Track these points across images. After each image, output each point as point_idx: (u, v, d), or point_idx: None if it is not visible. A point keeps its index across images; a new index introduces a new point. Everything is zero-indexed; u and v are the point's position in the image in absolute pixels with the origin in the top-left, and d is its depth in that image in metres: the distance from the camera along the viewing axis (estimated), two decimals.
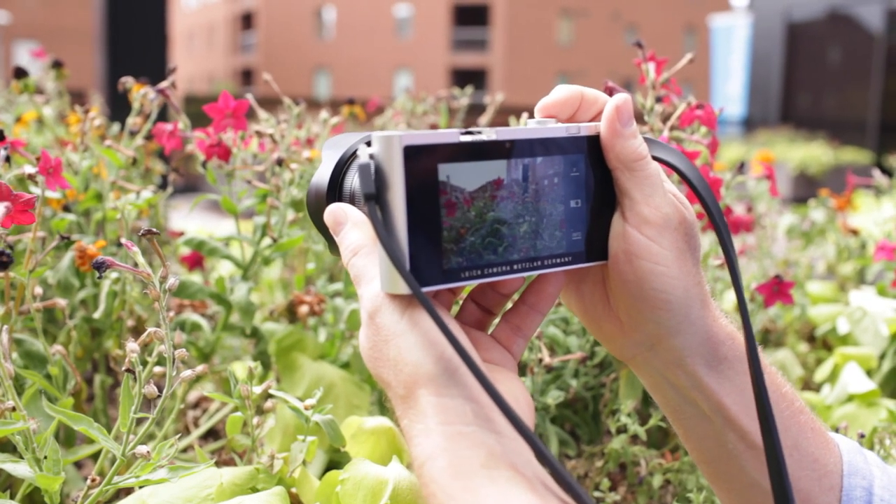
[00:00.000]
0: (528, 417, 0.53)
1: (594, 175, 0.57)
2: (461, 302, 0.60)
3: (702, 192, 0.57)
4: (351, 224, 0.55)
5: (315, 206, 0.61)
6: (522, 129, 0.54)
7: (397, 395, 0.51)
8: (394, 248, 0.48)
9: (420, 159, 0.49)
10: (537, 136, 0.54)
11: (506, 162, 0.52)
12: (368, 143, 0.57)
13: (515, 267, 0.54)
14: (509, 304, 0.61)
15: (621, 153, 0.56)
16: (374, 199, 0.49)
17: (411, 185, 0.49)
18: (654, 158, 0.57)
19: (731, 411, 0.58)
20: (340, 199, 0.59)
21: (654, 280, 0.55)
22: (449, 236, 0.51)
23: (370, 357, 0.52)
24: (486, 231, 0.52)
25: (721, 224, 0.57)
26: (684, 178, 0.57)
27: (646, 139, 0.57)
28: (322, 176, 0.60)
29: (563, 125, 0.56)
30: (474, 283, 0.53)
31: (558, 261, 0.56)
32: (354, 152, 0.60)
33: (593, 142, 0.57)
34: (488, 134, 0.52)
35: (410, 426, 0.49)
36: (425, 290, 0.50)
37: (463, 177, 0.51)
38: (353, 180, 0.58)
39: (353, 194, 0.58)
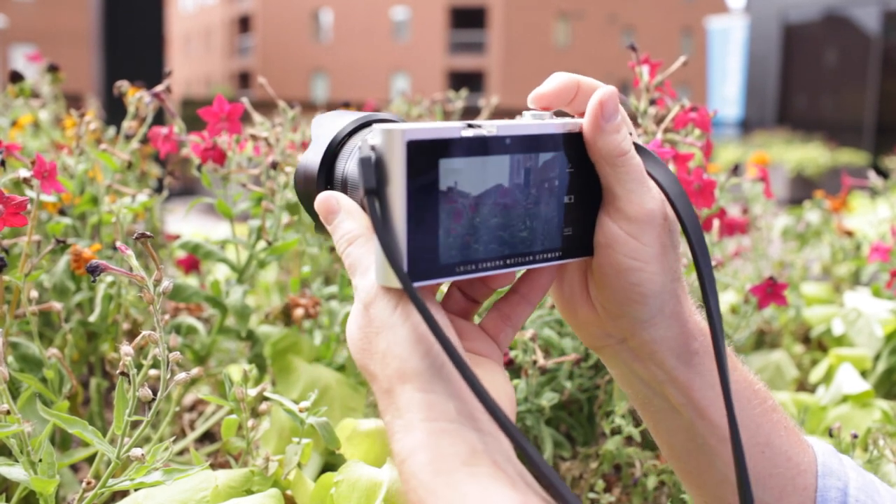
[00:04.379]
0: (510, 411, 0.53)
1: (586, 170, 0.56)
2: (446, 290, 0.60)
3: (681, 210, 0.56)
4: (344, 213, 0.54)
5: (304, 189, 0.60)
6: (520, 124, 0.53)
7: (382, 388, 0.50)
8: (390, 244, 0.48)
9: (422, 154, 0.48)
10: (536, 133, 0.54)
11: (507, 159, 0.52)
12: (362, 126, 0.56)
13: (508, 262, 0.54)
14: (496, 296, 0.59)
15: (603, 148, 0.55)
16: (374, 194, 0.48)
17: (412, 180, 0.48)
18: None
19: (701, 404, 0.58)
20: (331, 184, 0.59)
21: (631, 275, 0.55)
22: (446, 232, 0.50)
23: (359, 348, 0.52)
24: (484, 229, 0.52)
25: (697, 245, 0.56)
26: (665, 192, 0.57)
27: (633, 144, 0.57)
28: (311, 159, 0.59)
29: (559, 121, 0.55)
30: (468, 277, 0.52)
31: (549, 255, 0.56)
32: (347, 135, 0.59)
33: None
34: (489, 129, 0.51)
35: (393, 422, 0.49)
36: (420, 284, 0.49)
37: (464, 174, 0.50)
38: (345, 166, 0.58)
39: (346, 180, 0.57)
